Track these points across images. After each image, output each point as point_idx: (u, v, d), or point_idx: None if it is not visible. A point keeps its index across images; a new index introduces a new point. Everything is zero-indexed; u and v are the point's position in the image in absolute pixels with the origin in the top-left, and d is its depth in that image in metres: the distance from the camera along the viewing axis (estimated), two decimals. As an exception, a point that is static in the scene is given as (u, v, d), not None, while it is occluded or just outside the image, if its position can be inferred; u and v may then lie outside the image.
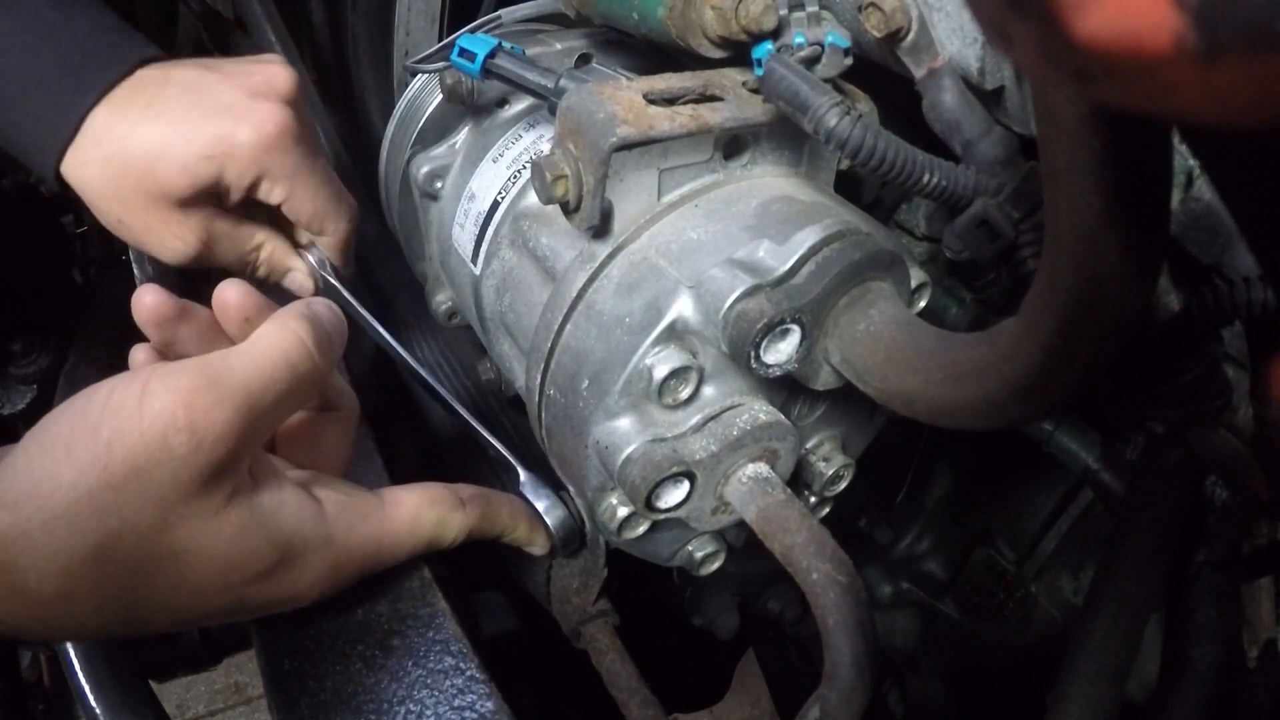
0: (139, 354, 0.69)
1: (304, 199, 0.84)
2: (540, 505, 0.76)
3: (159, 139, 0.76)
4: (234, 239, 0.84)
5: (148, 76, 0.79)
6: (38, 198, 1.24)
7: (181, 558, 0.55)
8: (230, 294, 0.67)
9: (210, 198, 0.81)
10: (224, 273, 0.78)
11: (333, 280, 0.88)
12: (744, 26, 0.65)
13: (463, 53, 0.77)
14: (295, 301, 0.67)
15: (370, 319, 0.85)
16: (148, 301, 0.66)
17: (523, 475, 0.77)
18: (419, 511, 0.68)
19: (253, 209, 0.85)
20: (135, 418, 0.53)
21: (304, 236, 0.89)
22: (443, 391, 0.82)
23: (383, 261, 1.10)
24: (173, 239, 0.81)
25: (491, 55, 0.75)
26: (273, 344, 0.60)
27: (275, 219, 0.87)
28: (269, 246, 0.87)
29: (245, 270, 0.86)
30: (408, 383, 0.95)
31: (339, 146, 1.21)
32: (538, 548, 0.76)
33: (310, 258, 0.89)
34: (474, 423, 0.81)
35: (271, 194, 0.82)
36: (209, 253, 0.83)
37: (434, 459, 0.99)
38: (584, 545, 0.79)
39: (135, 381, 0.55)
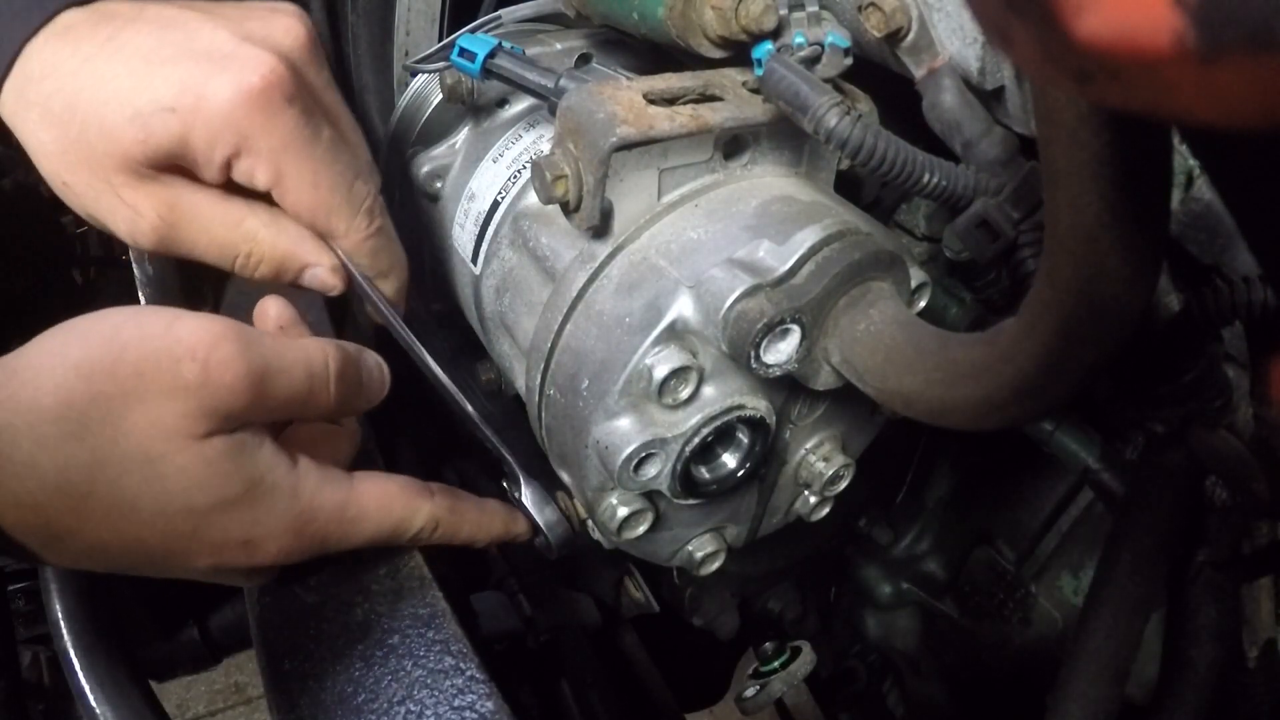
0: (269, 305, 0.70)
1: (300, 184, 0.65)
2: (541, 518, 0.76)
3: (111, 80, 0.60)
4: (211, 221, 0.65)
5: (117, 9, 0.63)
6: (38, 198, 1.24)
7: (155, 464, 0.55)
8: (270, 307, 0.70)
9: (178, 168, 0.63)
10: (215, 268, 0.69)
11: (358, 275, 0.72)
12: (744, 26, 0.65)
13: (463, 53, 0.77)
14: (355, 344, 0.67)
15: (392, 315, 0.75)
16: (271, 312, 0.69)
17: (524, 488, 0.77)
18: (387, 492, 0.66)
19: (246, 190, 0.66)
20: (159, 334, 0.55)
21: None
22: (453, 389, 0.79)
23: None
24: (125, 209, 0.63)
25: (491, 55, 0.75)
26: (304, 353, 0.62)
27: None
28: (268, 234, 0.67)
29: (236, 265, 0.68)
30: (421, 380, 0.93)
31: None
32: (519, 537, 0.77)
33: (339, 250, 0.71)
34: (485, 430, 0.79)
35: (255, 174, 0.64)
36: (174, 235, 0.65)
37: (433, 470, 0.99)
38: (577, 551, 0.80)
39: (171, 311, 0.57)
